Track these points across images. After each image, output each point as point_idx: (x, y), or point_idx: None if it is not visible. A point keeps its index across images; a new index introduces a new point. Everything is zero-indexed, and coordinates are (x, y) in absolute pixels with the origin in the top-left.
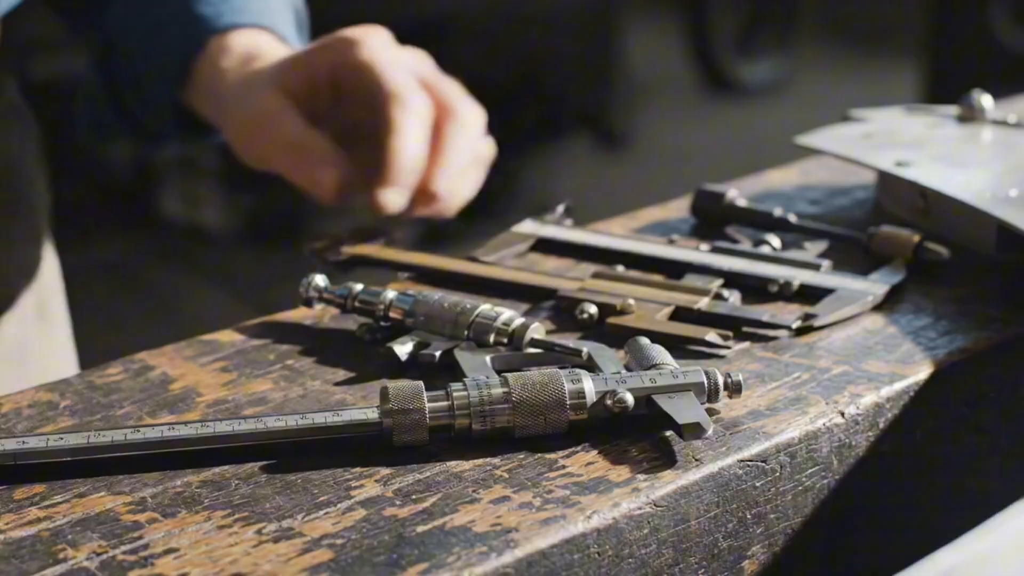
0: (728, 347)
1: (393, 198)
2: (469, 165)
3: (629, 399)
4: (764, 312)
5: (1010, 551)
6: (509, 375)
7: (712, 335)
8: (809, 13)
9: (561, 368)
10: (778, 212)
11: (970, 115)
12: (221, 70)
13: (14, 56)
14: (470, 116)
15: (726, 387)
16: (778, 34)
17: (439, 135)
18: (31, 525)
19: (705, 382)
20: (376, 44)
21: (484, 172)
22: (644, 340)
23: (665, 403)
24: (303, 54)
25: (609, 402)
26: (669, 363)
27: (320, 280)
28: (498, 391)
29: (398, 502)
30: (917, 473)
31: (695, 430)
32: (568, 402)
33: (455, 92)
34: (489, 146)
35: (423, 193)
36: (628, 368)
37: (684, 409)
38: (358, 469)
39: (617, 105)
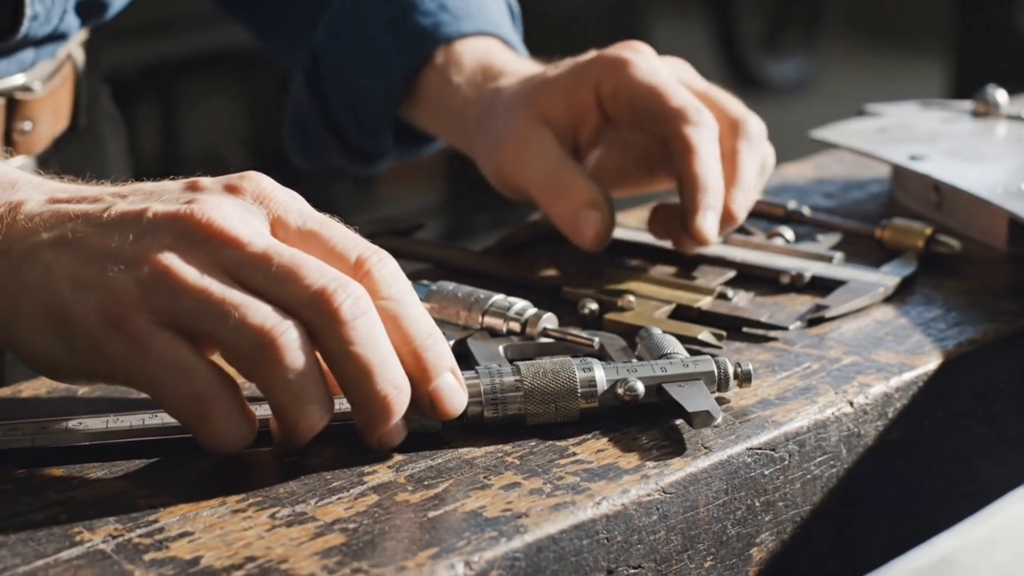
0: (719, 347)
1: (711, 223)
2: (758, 178)
3: (640, 387)
4: (763, 312)
5: (1008, 536)
6: (521, 363)
7: (705, 334)
8: (835, 11)
9: (573, 357)
10: (792, 205)
11: (985, 110)
12: (455, 85)
13: (107, 66)
14: (755, 127)
15: (736, 376)
16: (804, 32)
17: (732, 154)
18: (49, 508)
19: (715, 371)
20: (650, 62)
21: (765, 180)
22: (656, 330)
23: (675, 392)
24: (562, 76)
25: (620, 391)
26: (680, 353)
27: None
28: (510, 379)
29: (410, 488)
30: (926, 463)
31: (704, 419)
32: (579, 390)
33: (732, 102)
34: (771, 153)
35: (725, 214)
36: (640, 358)
37: (694, 398)
38: (371, 455)
39: None
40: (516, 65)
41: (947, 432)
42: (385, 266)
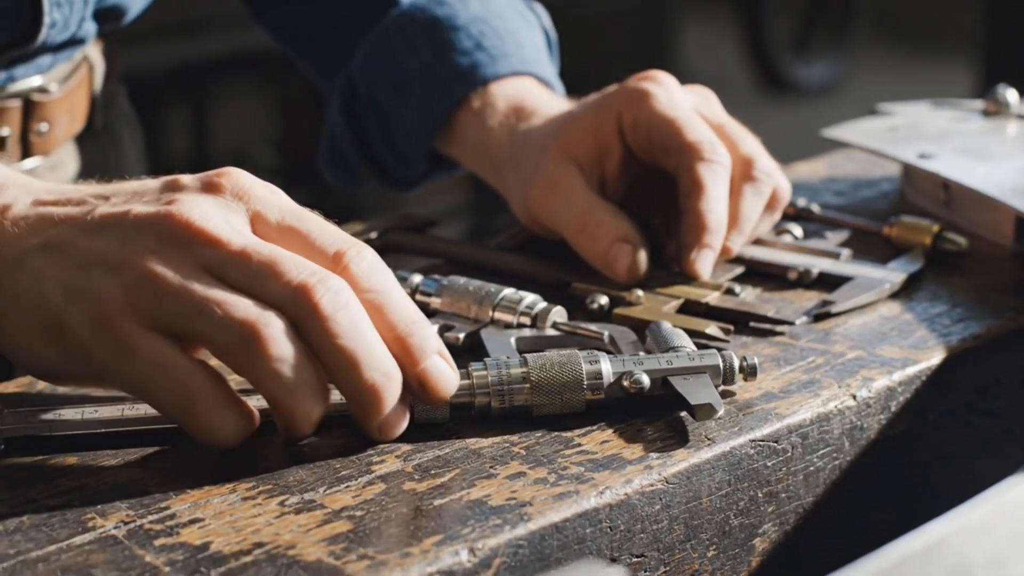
0: (727, 340)
1: (706, 262)
2: (762, 216)
3: (645, 380)
4: (770, 307)
5: (1001, 522)
6: (529, 355)
7: (712, 328)
8: (865, 13)
9: (581, 350)
10: (802, 203)
11: (996, 110)
12: (489, 128)
13: (124, 66)
14: (764, 167)
15: (741, 370)
16: (834, 34)
17: (735, 192)
18: (62, 495)
19: (720, 365)
20: (670, 94)
21: (780, 211)
22: (665, 324)
23: (680, 384)
24: (587, 112)
25: (626, 383)
26: (688, 346)
27: (417, 278)
28: (517, 371)
29: (417, 477)
30: (929, 456)
31: (707, 411)
32: (585, 382)
33: (746, 139)
34: (784, 187)
35: (721, 251)
36: (648, 351)
37: (698, 391)
38: (380, 445)
39: None
40: (547, 105)
41: (950, 426)
42: (364, 258)
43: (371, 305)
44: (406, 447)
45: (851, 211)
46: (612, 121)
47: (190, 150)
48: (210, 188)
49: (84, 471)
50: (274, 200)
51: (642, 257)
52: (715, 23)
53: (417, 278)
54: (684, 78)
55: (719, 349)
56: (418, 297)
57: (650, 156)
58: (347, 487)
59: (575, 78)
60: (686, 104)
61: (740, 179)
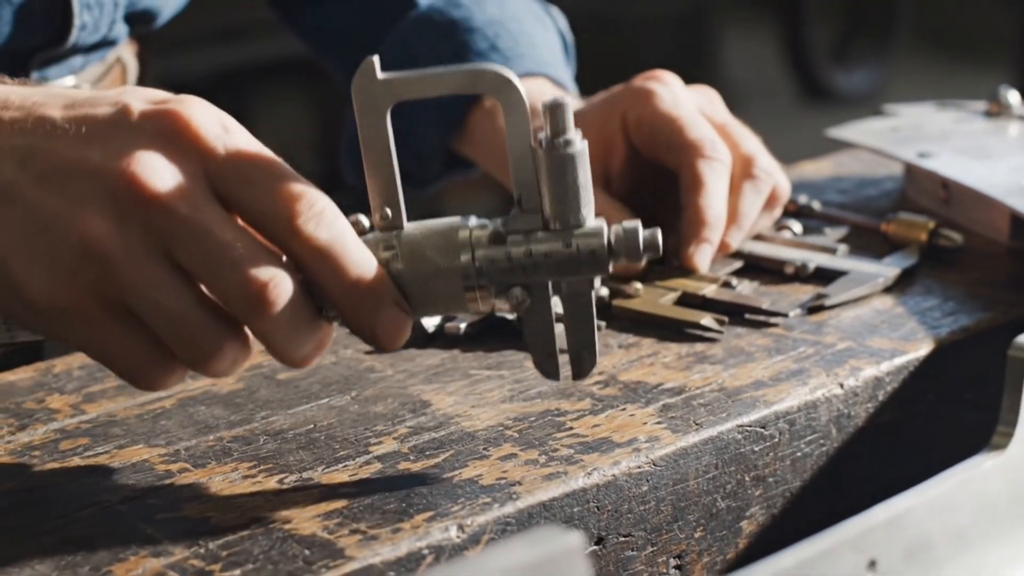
0: (721, 331)
1: (704, 256)
2: (761, 210)
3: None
4: (766, 299)
5: (962, 499)
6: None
7: (707, 319)
8: (905, 22)
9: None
10: (803, 200)
11: (998, 110)
12: (500, 128)
13: (156, 63)
14: (764, 166)
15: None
16: (874, 43)
17: (735, 189)
18: (71, 472)
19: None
20: (674, 93)
21: (780, 208)
22: None
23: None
24: (593, 110)
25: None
26: None
27: (365, 220)
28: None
29: (412, 457)
30: (917, 446)
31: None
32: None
33: (751, 141)
34: (784, 185)
35: (719, 247)
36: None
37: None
38: (380, 427)
39: None
40: None
41: (938, 417)
42: (319, 208)
43: (325, 253)
44: (404, 430)
45: (853, 209)
46: (617, 119)
47: None
48: (161, 134)
49: (95, 450)
50: (230, 142)
51: None
52: (756, 32)
53: None
54: (725, 86)
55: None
56: None
57: (653, 153)
58: (344, 467)
59: (614, 83)
60: (689, 103)
61: (740, 177)
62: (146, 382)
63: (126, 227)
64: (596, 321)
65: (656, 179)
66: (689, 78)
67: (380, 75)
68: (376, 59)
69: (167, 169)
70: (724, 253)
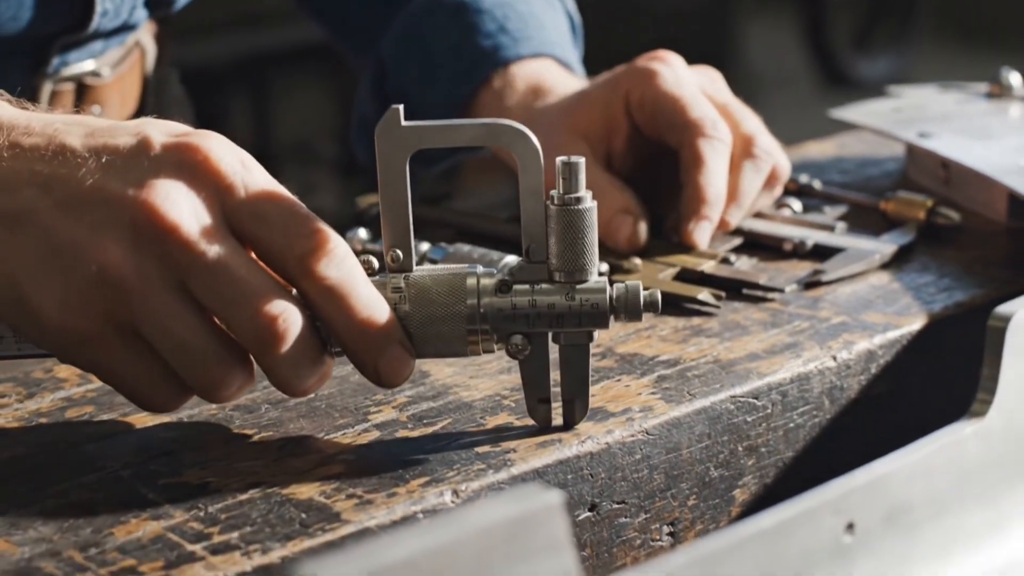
0: (718, 306)
1: (704, 233)
2: (761, 190)
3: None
4: (763, 275)
5: (942, 464)
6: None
7: (704, 294)
8: (927, 9)
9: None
10: (804, 179)
11: (999, 92)
12: (508, 107)
13: (175, 50)
14: (764, 145)
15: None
16: (896, 30)
17: (735, 168)
18: (78, 441)
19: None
20: (676, 73)
21: (780, 188)
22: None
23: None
24: (597, 89)
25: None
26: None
27: (363, 233)
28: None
29: (410, 426)
30: (910, 418)
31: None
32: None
33: (751, 121)
34: (784, 165)
35: (719, 224)
36: None
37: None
38: (379, 397)
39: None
40: (564, 85)
41: (931, 390)
42: (330, 247)
43: (335, 292)
44: (403, 399)
45: (854, 188)
46: (620, 99)
47: (252, 142)
48: (182, 167)
49: (100, 418)
50: (249, 180)
51: (642, 228)
52: (778, 19)
53: (424, 246)
54: (747, 74)
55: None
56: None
57: (655, 133)
58: (343, 434)
59: None
60: (691, 83)
61: (740, 156)
62: (153, 406)
63: (142, 256)
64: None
65: (658, 158)
66: (712, 65)
67: (404, 123)
68: (401, 108)
69: (186, 201)
70: (724, 231)
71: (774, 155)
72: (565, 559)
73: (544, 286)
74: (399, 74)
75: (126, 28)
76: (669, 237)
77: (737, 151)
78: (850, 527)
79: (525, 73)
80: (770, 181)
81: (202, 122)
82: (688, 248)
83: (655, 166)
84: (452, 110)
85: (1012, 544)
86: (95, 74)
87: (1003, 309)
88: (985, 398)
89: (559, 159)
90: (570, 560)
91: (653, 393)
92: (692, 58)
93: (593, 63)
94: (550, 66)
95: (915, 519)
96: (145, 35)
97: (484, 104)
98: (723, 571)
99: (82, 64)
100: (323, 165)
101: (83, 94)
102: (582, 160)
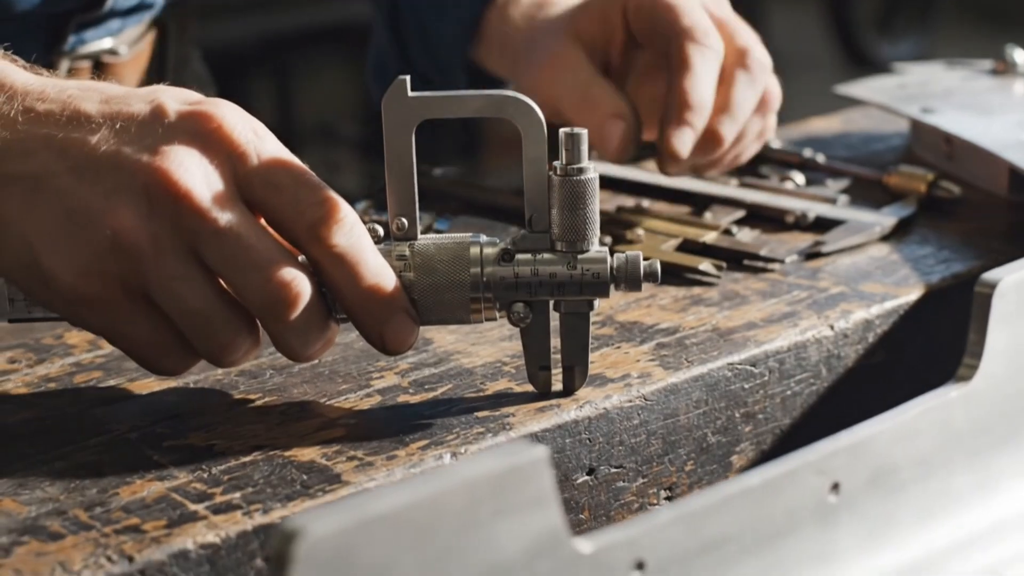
0: (718, 276)
1: (686, 140)
2: (754, 112)
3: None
4: (764, 246)
5: (927, 427)
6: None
7: (706, 264)
8: None
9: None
10: (807, 153)
11: (1004, 69)
12: (512, 22)
13: (197, 28)
14: (759, 58)
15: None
16: (919, 13)
17: (727, 79)
18: (86, 404)
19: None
20: None
21: (773, 117)
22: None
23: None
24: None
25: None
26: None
27: (362, 204)
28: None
29: (412, 391)
30: (908, 386)
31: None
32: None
33: (747, 35)
34: (775, 86)
35: (709, 136)
36: None
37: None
38: (382, 363)
39: None
40: None
41: (929, 358)
42: (340, 216)
43: (344, 260)
44: (405, 365)
45: (858, 163)
46: (618, 7)
47: (274, 122)
48: (195, 135)
49: (107, 383)
50: (261, 148)
51: (633, 136)
52: (801, 3)
53: (426, 217)
54: (770, 56)
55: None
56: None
57: (650, 41)
58: (346, 399)
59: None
60: None
61: (734, 66)
62: (162, 369)
63: (155, 222)
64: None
65: (658, 74)
66: None
67: (410, 94)
68: (407, 79)
69: (198, 168)
70: (717, 147)
71: (767, 72)
72: (551, 513)
73: (546, 255)
74: (410, 4)
75: (143, 7)
76: (655, 147)
77: (730, 62)
78: (835, 487)
79: None
80: (762, 106)
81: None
82: (696, 219)
83: (656, 81)
84: (460, 34)
85: (997, 507)
86: (112, 52)
87: (989, 276)
88: (971, 363)
89: (562, 130)
90: (556, 514)
91: (652, 360)
92: None
93: None
94: None
95: (900, 480)
96: (166, 15)
97: (490, 24)
98: (709, 528)
99: (99, 42)
100: (344, 145)
101: (100, 72)
102: (584, 131)
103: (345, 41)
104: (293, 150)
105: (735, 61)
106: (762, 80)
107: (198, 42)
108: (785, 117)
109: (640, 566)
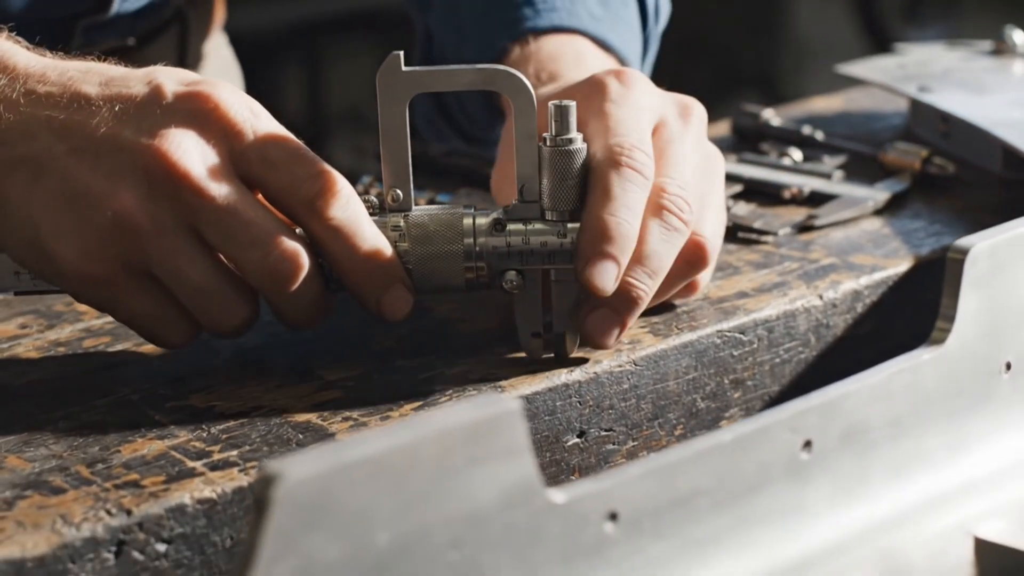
0: None
1: (607, 274)
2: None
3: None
4: (759, 220)
5: (901, 389)
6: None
7: None
8: None
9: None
10: (806, 130)
11: (1003, 49)
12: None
13: (224, 16)
14: (677, 204)
15: None
16: (945, 1)
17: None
18: (93, 367)
19: None
20: (622, 92)
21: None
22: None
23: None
24: (563, 94)
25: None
26: None
27: (367, 178)
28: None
29: (408, 356)
30: (895, 356)
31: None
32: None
33: (678, 165)
34: (711, 245)
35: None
36: None
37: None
38: (381, 329)
39: (785, 68)
40: (573, 71)
41: (918, 329)
42: (336, 189)
43: (340, 232)
44: (402, 331)
45: (856, 140)
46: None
47: (304, 108)
48: (192, 115)
49: (115, 348)
50: (257, 126)
51: None
52: None
53: (431, 192)
54: (797, 44)
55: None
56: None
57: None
58: (344, 364)
59: (688, 44)
60: (632, 105)
61: (650, 212)
62: (165, 342)
63: (155, 202)
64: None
65: None
66: (760, 36)
67: (404, 68)
68: (401, 54)
69: (196, 148)
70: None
71: (688, 226)
72: (524, 463)
73: (537, 225)
74: (440, 41)
75: (153, 7)
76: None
77: (655, 202)
78: (807, 445)
79: (546, 49)
80: (688, 256)
81: (254, 89)
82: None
83: None
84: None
85: (968, 467)
86: (129, 47)
87: (962, 242)
88: (944, 326)
89: (551, 103)
90: (529, 464)
91: (642, 327)
92: (739, 28)
93: None
94: (576, 44)
95: (872, 439)
96: (186, 5)
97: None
98: (681, 481)
99: (111, 41)
100: (374, 131)
101: (120, 60)
102: (573, 104)
103: (375, 27)
104: (323, 136)
105: (656, 203)
106: (682, 230)
107: (226, 28)
108: None
109: (613, 517)
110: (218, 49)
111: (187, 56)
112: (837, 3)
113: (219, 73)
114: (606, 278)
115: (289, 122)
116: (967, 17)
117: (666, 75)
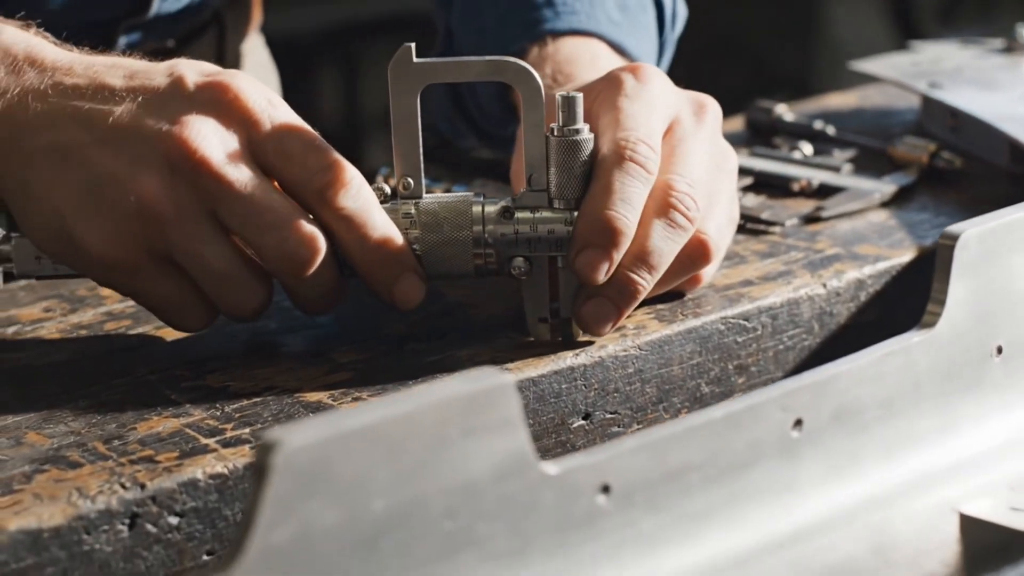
0: None
1: (598, 265)
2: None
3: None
4: (767, 211)
5: (893, 370)
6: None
7: None
8: None
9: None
10: (818, 125)
11: (1015, 47)
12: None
13: (261, 18)
14: (685, 202)
15: None
16: (981, 4)
17: (646, 224)
18: (113, 349)
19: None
20: (637, 87)
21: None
22: None
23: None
24: (585, 89)
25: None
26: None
27: (385, 170)
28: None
29: (419, 339)
30: None
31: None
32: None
33: (688, 162)
34: (716, 244)
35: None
36: None
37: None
38: (394, 314)
39: (819, 70)
40: (587, 72)
41: (920, 318)
42: (347, 178)
43: (352, 221)
44: (414, 316)
45: (867, 135)
46: (590, 102)
47: (340, 111)
48: (212, 104)
49: (136, 331)
50: (275, 116)
51: None
52: None
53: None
54: (832, 46)
55: None
56: None
57: None
58: (356, 346)
59: (725, 45)
60: (643, 101)
61: (652, 211)
62: (185, 326)
63: (177, 188)
64: None
65: None
66: (795, 37)
67: (415, 60)
68: (412, 46)
69: (215, 136)
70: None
71: (692, 224)
72: (518, 436)
73: (544, 213)
74: (461, 40)
75: (191, 8)
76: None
77: (661, 201)
78: (798, 423)
79: (563, 50)
80: (691, 253)
81: (290, 91)
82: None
83: None
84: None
85: (958, 448)
86: (168, 49)
87: (952, 229)
88: (935, 310)
89: (558, 94)
90: (523, 437)
91: (648, 314)
92: (774, 30)
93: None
94: (593, 48)
95: (864, 420)
96: (224, 9)
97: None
98: (673, 456)
99: (152, 43)
100: None
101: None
102: (579, 95)
103: (411, 30)
104: (359, 138)
105: (660, 201)
106: (684, 234)
107: (263, 31)
108: None
109: (606, 489)
110: (255, 51)
111: (225, 57)
112: (873, 5)
113: (256, 75)
114: (596, 268)
115: (325, 124)
116: (1003, 18)
117: (701, 76)
